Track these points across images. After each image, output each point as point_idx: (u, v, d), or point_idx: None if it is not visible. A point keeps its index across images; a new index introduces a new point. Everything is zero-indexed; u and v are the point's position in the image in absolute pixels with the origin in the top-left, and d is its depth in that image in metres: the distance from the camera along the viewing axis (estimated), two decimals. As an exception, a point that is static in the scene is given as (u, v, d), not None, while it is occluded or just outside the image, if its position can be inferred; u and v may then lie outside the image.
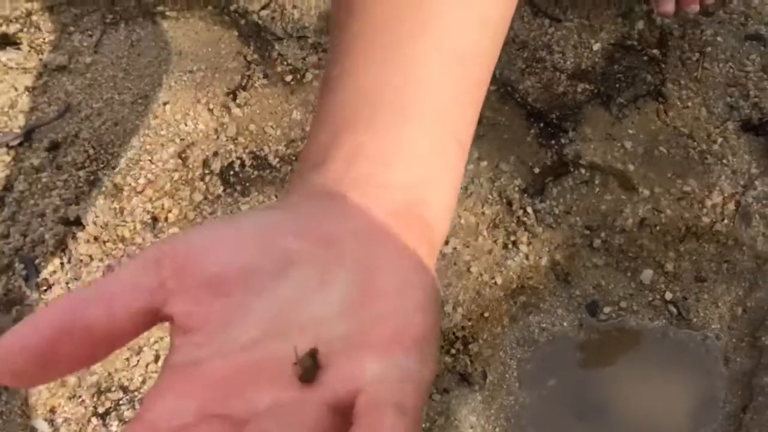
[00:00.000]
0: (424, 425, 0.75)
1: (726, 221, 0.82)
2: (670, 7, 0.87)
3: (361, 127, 0.37)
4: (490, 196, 0.83)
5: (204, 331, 0.32)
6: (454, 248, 0.81)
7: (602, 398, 0.81)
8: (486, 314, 0.79)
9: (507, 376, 0.80)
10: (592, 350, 0.82)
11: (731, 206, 0.83)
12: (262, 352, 0.31)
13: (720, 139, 0.86)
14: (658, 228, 0.83)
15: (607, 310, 0.82)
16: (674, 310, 0.82)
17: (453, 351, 0.77)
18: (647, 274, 0.82)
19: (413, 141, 0.37)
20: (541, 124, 0.87)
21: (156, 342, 0.75)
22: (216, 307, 0.32)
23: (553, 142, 0.85)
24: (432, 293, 0.33)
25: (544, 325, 0.82)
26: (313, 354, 0.30)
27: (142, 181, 0.84)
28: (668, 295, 0.82)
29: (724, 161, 0.85)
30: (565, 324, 0.82)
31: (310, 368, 0.30)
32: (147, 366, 0.75)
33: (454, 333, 0.78)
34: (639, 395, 0.80)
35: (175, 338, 0.32)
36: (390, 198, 0.36)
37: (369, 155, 0.37)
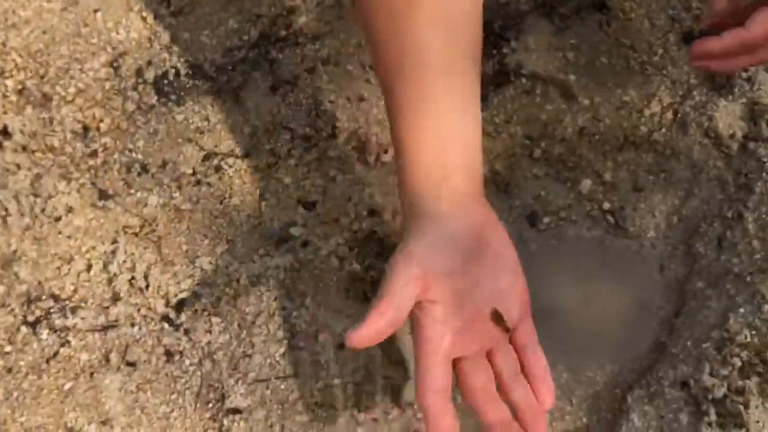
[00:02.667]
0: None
1: (664, 130, 0.82)
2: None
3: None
4: (430, 106, 0.82)
5: (441, 304, 0.59)
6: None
7: (541, 305, 0.81)
8: (425, 223, 0.79)
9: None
10: (532, 260, 0.83)
11: (669, 115, 0.83)
12: (477, 313, 0.61)
13: (661, 51, 0.86)
14: (597, 137, 0.83)
15: (546, 220, 0.83)
16: (612, 220, 0.82)
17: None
18: (586, 184, 0.83)
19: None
20: (484, 34, 0.85)
21: (88, 251, 0.74)
22: (450, 288, 0.59)
23: (494, 51, 0.84)
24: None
25: (483, 236, 0.82)
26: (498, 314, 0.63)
27: (72, 90, 0.81)
28: (606, 205, 0.82)
29: (664, 72, 0.85)
30: (504, 234, 0.82)
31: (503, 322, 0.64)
32: (79, 275, 0.73)
33: (395, 242, 0.78)
34: (576, 303, 0.81)
35: (419, 313, 0.59)
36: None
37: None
